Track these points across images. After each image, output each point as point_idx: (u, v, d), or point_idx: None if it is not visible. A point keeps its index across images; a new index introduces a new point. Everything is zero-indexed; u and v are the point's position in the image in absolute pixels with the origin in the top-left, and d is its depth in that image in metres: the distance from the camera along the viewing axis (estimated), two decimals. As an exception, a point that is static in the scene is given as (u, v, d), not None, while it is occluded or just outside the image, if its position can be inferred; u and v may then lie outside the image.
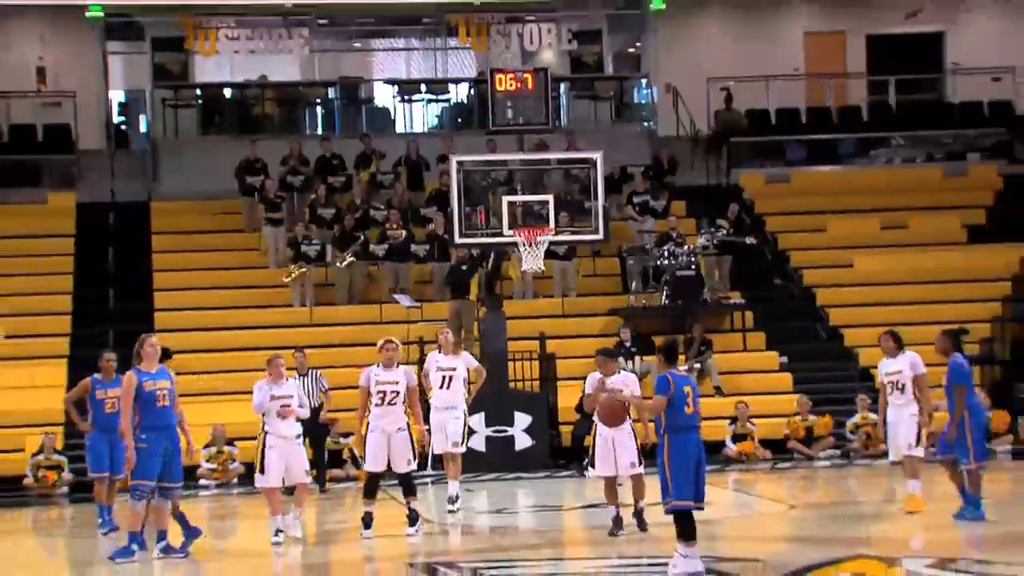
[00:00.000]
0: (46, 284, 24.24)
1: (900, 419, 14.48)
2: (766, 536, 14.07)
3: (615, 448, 13.28)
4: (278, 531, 13.66)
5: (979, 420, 14.10)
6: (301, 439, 13.99)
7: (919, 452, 14.50)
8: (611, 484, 13.43)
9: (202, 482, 20.40)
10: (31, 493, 19.62)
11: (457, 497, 15.58)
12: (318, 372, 18.29)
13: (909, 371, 14.42)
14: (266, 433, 13.70)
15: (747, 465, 20.93)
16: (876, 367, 23.06)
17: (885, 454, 21.27)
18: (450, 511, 15.47)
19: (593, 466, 13.60)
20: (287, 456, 13.69)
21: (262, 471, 13.66)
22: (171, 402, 12.97)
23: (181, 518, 13.29)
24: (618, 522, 13.37)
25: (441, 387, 15.55)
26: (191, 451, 13.42)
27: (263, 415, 13.71)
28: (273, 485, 13.70)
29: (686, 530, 10.92)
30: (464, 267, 22.56)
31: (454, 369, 15.67)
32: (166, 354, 13.81)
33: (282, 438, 13.66)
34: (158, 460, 12.78)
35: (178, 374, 21.81)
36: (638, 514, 13.44)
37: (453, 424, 15.57)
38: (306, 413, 14.19)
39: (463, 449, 15.77)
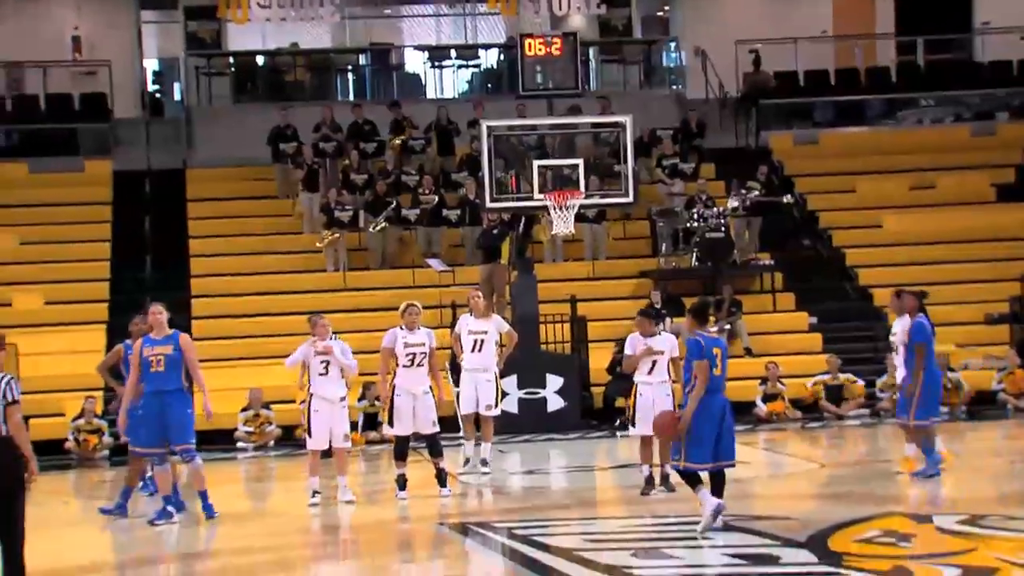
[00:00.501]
0: (84, 251, 24.38)
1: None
2: (798, 494, 14.08)
3: (655, 408, 13.31)
4: (315, 492, 13.72)
5: (936, 381, 14.08)
6: (346, 401, 13.95)
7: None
8: (648, 443, 13.47)
9: (240, 445, 20.53)
10: (72, 457, 19.80)
11: (486, 461, 15.62)
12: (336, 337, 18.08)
13: (903, 336, 14.20)
14: (311, 396, 13.69)
15: (777, 425, 20.93)
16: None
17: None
18: (484, 472, 15.52)
19: (633, 424, 13.60)
20: (331, 419, 13.68)
21: (310, 434, 13.71)
22: (168, 367, 12.79)
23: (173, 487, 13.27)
24: (650, 481, 13.41)
25: (473, 350, 15.53)
26: (208, 413, 13.00)
27: (308, 379, 13.70)
28: (319, 447, 13.73)
29: (695, 482, 11.19)
30: (495, 231, 22.53)
31: (485, 332, 15.65)
32: None
33: (326, 400, 13.66)
34: (153, 425, 12.84)
35: (216, 339, 22.21)
36: (664, 476, 13.49)
37: (485, 387, 15.56)
38: (354, 370, 14.01)
39: (497, 412, 15.78)
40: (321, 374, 13.66)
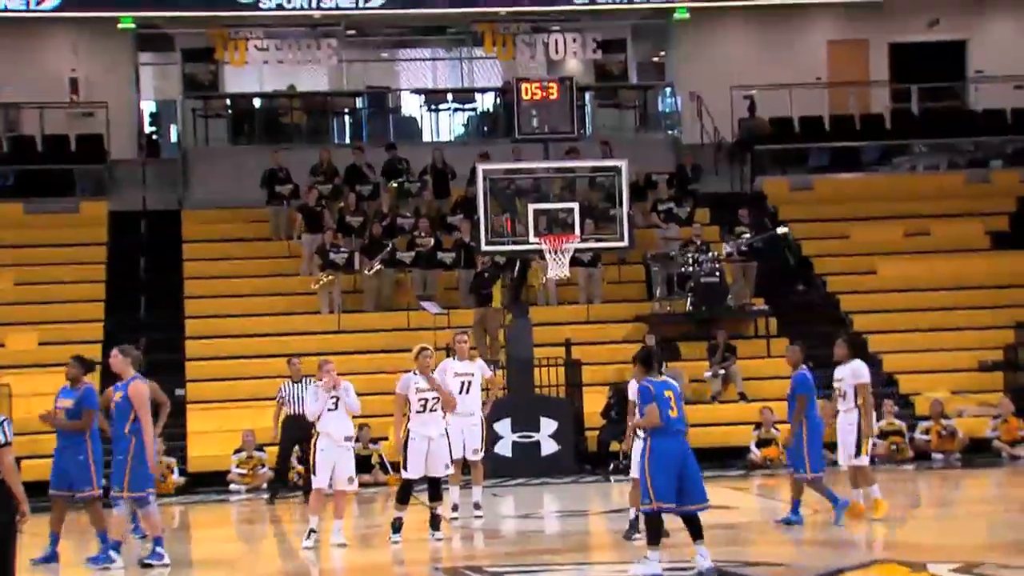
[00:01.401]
0: (79, 292, 24.36)
1: (842, 427, 14.52)
2: (791, 540, 14.02)
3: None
4: (311, 532, 13.62)
5: (817, 431, 14.36)
6: (351, 443, 13.90)
7: (862, 461, 14.45)
8: (638, 486, 13.45)
9: (232, 487, 20.45)
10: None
11: (478, 504, 15.57)
12: (310, 379, 18.02)
13: (852, 379, 14.35)
14: (318, 434, 13.68)
15: (771, 470, 20.87)
16: (899, 373, 23.34)
17: (911, 459, 21.39)
18: (477, 516, 15.46)
19: (628, 470, 13.60)
20: (336, 459, 13.60)
21: (314, 472, 13.70)
22: (118, 413, 12.78)
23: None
24: (634, 525, 13.36)
25: (460, 392, 15.47)
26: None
27: (317, 418, 13.69)
28: (321, 486, 13.65)
29: (655, 534, 11.18)
30: (487, 275, 22.57)
31: (471, 375, 15.58)
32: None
33: (332, 439, 13.58)
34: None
35: (210, 380, 22.18)
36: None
37: (472, 431, 15.51)
38: (356, 410, 13.90)
39: (481, 455, 15.75)
40: (330, 410, 13.63)
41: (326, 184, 25.86)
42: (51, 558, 13.27)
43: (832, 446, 15.31)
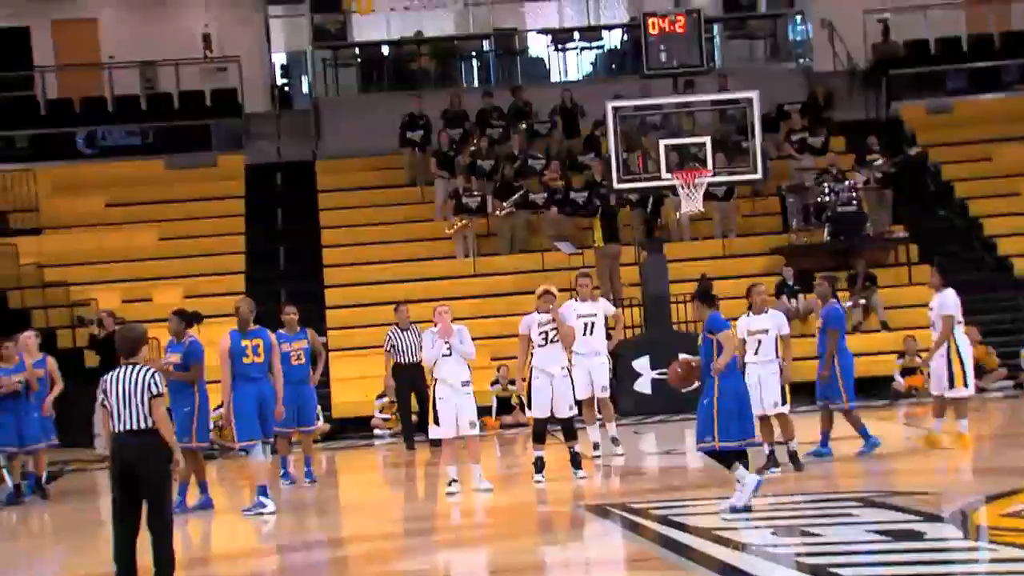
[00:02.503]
0: (220, 245, 24.80)
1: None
2: (939, 468, 13.83)
3: (763, 388, 13.26)
4: (452, 480, 13.63)
5: (849, 363, 14.16)
6: (470, 387, 13.66)
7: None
8: (767, 423, 13.38)
9: (376, 432, 20.73)
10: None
11: (616, 440, 15.62)
12: (416, 326, 18.07)
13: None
14: (435, 381, 13.53)
15: (917, 399, 20.57)
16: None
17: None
18: (618, 453, 15.50)
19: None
20: (455, 405, 13.45)
21: (436, 422, 13.60)
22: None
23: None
24: (771, 458, 13.24)
25: (584, 333, 15.31)
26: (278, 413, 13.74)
27: (434, 364, 13.74)
28: (447, 435, 13.54)
29: (731, 460, 11.29)
30: (611, 212, 22.46)
31: (594, 315, 15.51)
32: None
33: (448, 385, 13.40)
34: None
35: (350, 328, 22.48)
36: (792, 454, 13.45)
37: (599, 370, 15.49)
38: (471, 356, 13.75)
39: (608, 393, 15.72)
40: (445, 355, 13.46)
41: (457, 128, 25.93)
42: (207, 503, 13.65)
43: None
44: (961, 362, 14.36)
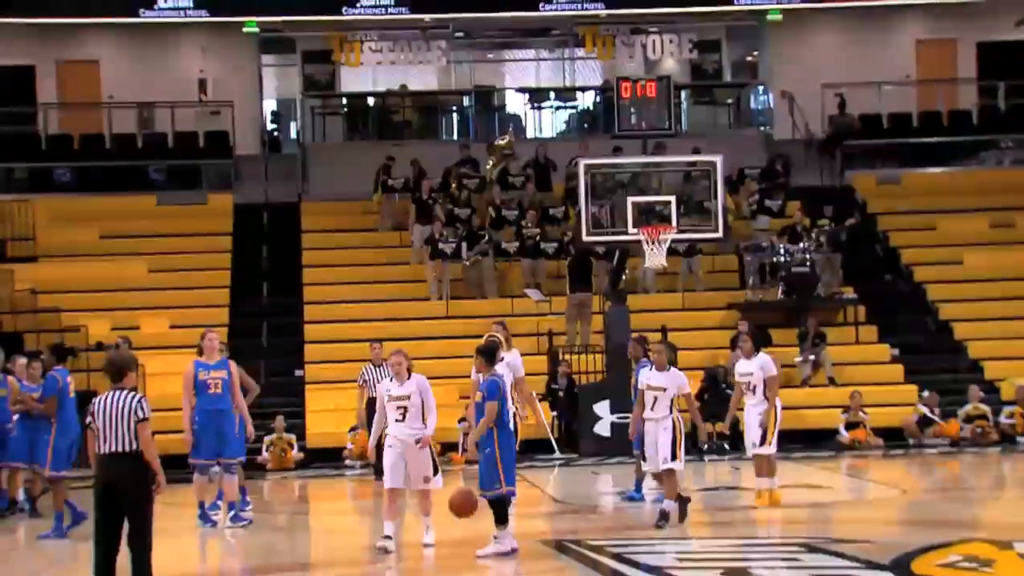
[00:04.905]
0: (206, 279, 24.72)
1: (750, 419, 14.11)
2: (880, 519, 13.86)
3: (656, 443, 13.03)
4: (386, 536, 11.84)
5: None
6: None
7: (766, 450, 14.06)
8: (656, 478, 13.42)
9: (347, 463, 20.63)
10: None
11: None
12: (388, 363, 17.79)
13: (760, 373, 14.01)
14: (387, 435, 11.95)
15: (860, 452, 20.63)
16: (985, 359, 22.95)
17: (997, 442, 21.03)
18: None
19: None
20: (407, 459, 11.81)
21: (380, 470, 12.42)
22: (224, 390, 13.57)
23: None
24: (663, 514, 12.88)
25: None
26: (249, 434, 14.09)
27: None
28: (391, 485, 11.86)
29: (505, 515, 11.54)
30: (580, 263, 22.51)
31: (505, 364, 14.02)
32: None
33: (401, 441, 11.81)
34: (211, 440, 13.54)
35: (327, 362, 22.43)
36: (665, 513, 12.94)
37: None
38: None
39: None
40: (397, 420, 11.86)
41: (436, 178, 25.95)
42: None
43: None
44: (775, 423, 14.22)
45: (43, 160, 27.16)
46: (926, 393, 21.59)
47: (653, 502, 14.30)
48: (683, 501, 13.10)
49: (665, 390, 12.97)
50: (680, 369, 13.17)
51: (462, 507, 11.53)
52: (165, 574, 9.84)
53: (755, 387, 14.10)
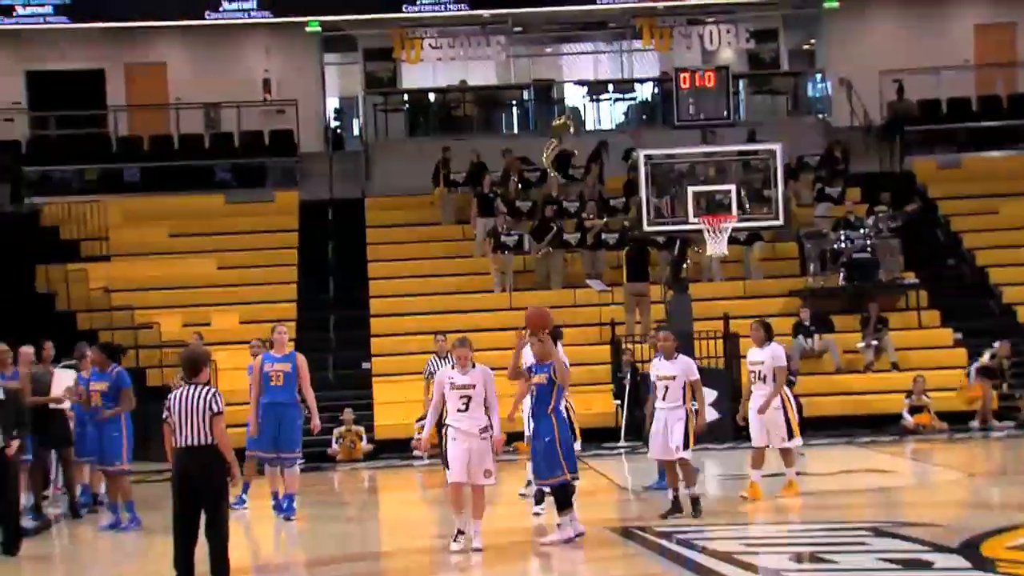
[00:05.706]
0: (274, 275, 24.89)
1: (755, 403, 13.82)
2: (946, 502, 13.72)
3: (667, 431, 12.89)
4: (458, 532, 11.61)
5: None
6: (489, 431, 11.46)
7: (793, 443, 13.86)
8: (668, 467, 13.14)
9: (416, 453, 20.69)
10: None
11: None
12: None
13: (771, 362, 13.78)
14: (447, 426, 11.58)
15: (924, 436, 20.43)
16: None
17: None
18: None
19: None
20: (470, 451, 11.39)
21: (447, 465, 11.64)
22: (285, 383, 13.73)
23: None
24: (675, 503, 12.79)
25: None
26: (314, 427, 14.15)
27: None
28: (455, 480, 11.47)
29: (568, 502, 11.54)
30: (638, 252, 22.44)
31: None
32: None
33: (464, 433, 11.42)
34: (270, 431, 13.74)
35: (393, 355, 22.51)
36: (694, 499, 12.86)
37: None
38: None
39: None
40: (460, 410, 11.51)
41: (497, 172, 25.95)
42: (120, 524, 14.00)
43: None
44: (795, 413, 13.99)
45: (113, 161, 27.46)
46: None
47: (646, 488, 14.35)
48: (694, 500, 12.87)
49: (675, 378, 12.86)
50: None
51: (537, 319, 11.67)
52: (242, 564, 9.93)
53: (764, 376, 13.87)
